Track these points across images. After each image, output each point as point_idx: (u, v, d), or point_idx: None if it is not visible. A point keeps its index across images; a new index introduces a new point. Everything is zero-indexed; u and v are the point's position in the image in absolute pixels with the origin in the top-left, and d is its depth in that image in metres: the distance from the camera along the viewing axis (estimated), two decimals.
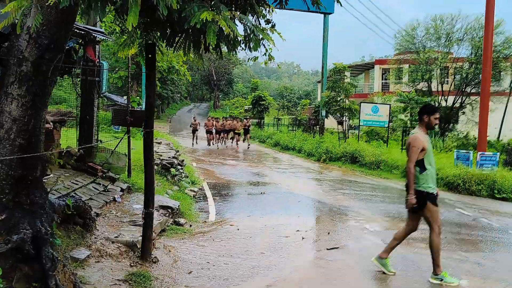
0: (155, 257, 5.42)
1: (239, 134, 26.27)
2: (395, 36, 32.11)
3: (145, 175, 5.32)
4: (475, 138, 27.25)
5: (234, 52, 3.89)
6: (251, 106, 40.76)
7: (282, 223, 8.05)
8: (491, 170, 14.21)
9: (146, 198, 5.26)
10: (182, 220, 7.66)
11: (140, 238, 5.36)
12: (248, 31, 3.70)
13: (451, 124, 31.44)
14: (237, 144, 26.39)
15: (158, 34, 4.62)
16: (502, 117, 34.43)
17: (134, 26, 3.18)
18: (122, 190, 7.88)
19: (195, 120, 27.06)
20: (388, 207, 10.13)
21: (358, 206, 10.07)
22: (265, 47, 3.87)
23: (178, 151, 15.82)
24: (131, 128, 9.12)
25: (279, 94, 72.09)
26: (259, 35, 3.72)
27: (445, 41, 32.20)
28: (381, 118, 20.11)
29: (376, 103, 21.33)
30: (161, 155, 12.32)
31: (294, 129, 33.40)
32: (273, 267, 5.61)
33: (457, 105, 31.19)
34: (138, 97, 25.03)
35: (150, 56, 4.98)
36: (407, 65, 34.53)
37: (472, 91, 31.34)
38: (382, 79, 42.76)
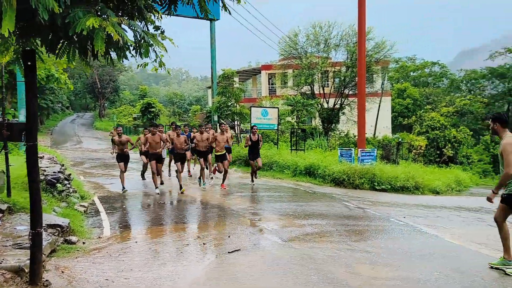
0: (46, 280, 5.00)
1: (205, 156, 13.79)
2: (279, 42, 33.51)
3: (30, 192, 4.89)
4: (355, 136, 29.61)
5: (124, 59, 3.76)
6: (140, 114, 39.52)
7: (181, 232, 7.95)
8: (370, 164, 15.54)
9: (33, 218, 4.84)
10: (74, 238, 7.17)
11: (28, 261, 4.91)
12: (139, 37, 3.60)
13: (333, 124, 33.73)
14: (210, 173, 15.21)
15: (38, 40, 4.28)
16: (376, 116, 37.86)
17: (11, 31, 2.92)
18: (1, 211, 7.15)
19: (120, 136, 12.89)
20: (283, 206, 10.53)
21: (255, 208, 10.32)
22: (156, 53, 3.81)
23: (63, 165, 14.77)
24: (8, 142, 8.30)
25: (169, 101, 71.04)
26: (149, 41, 3.65)
27: (324, 46, 34.43)
28: (271, 121, 20.86)
29: (266, 107, 22.07)
30: (45, 170, 11.36)
31: None
32: (176, 277, 5.52)
33: (337, 106, 33.55)
34: (13, 109, 22.83)
35: (29, 64, 4.59)
36: (291, 70, 36.30)
37: (350, 93, 33.97)
38: (269, 84, 44.35)
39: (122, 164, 12.80)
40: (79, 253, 6.52)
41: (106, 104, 65.71)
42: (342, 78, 33.54)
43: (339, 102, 33.78)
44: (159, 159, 12.69)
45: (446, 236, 8.02)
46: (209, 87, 53.06)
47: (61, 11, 3.08)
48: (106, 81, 62.08)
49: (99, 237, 7.62)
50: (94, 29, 3.30)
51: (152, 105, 36.86)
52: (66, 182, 10.77)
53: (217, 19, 24.94)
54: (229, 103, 21.46)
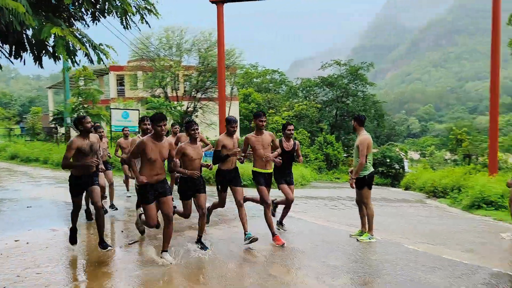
0: None
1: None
2: (131, 44, 33.19)
3: None
4: (207, 138, 31.05)
5: (77, 64, 4.18)
6: None
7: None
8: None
9: None
10: None
11: None
12: (89, 46, 4.09)
13: None
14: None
15: None
16: None
17: None
18: None
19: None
20: None
21: (132, 206, 10.72)
22: (102, 60, 4.32)
23: None
24: None
25: None
26: (99, 50, 4.17)
27: (176, 50, 35.24)
28: (132, 124, 20.88)
29: (126, 109, 22.00)
30: None
31: (31, 139, 30.58)
32: (91, 268, 5.87)
33: (190, 109, 34.64)
34: None
35: None
36: (142, 72, 36.17)
37: (203, 96, 35.42)
38: (118, 86, 43.27)
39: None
40: None
41: None
42: (195, 82, 34.78)
43: (192, 105, 34.92)
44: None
45: (308, 218, 9.66)
46: (50, 87, 49.47)
47: (36, 26, 3.47)
48: None
49: None
50: (56, 37, 3.72)
51: None
52: None
53: None
54: (86, 105, 20.85)
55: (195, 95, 34.98)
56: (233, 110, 42.72)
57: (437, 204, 14.30)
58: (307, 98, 48.99)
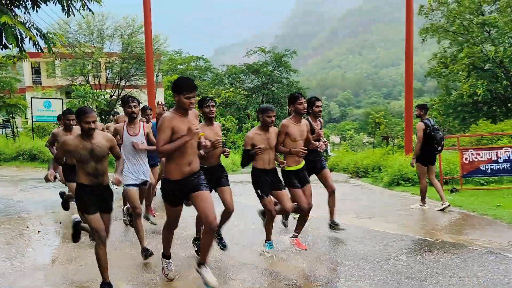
0: None
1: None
2: (48, 28, 31.38)
3: None
4: None
5: (24, 51, 4.13)
6: None
7: (13, 223, 7.82)
8: None
9: None
10: None
11: None
12: (40, 34, 4.08)
13: (113, 115, 33.68)
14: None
15: None
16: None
17: None
18: None
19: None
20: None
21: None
22: (49, 46, 4.30)
23: None
24: None
25: None
26: (50, 38, 4.16)
27: (97, 37, 33.91)
28: (55, 113, 19.92)
29: (49, 98, 20.88)
30: None
31: None
32: (40, 260, 5.81)
33: (115, 97, 33.62)
34: None
35: None
36: (59, 59, 34.35)
37: (126, 84, 34.50)
38: (33, 73, 40.78)
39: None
40: None
41: None
42: (118, 69, 33.74)
43: (116, 93, 33.90)
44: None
45: (247, 202, 10.04)
46: None
47: None
48: None
49: None
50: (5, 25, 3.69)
51: None
52: None
53: None
54: (2, 95, 19.58)
55: (118, 82, 33.97)
56: (159, 98, 42.03)
57: (361, 183, 15.35)
58: (233, 85, 49.36)
